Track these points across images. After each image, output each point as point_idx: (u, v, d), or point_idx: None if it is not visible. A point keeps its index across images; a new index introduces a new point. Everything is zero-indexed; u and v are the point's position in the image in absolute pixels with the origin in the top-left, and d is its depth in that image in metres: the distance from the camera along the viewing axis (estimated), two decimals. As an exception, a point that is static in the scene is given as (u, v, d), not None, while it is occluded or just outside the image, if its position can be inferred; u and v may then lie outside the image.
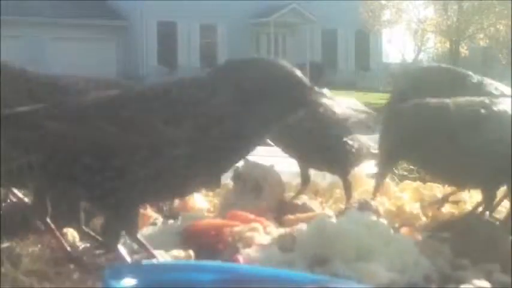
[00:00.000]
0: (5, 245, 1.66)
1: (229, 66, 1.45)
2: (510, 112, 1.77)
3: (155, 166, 1.36)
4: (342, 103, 2.16)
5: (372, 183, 2.09)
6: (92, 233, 1.61)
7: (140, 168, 1.35)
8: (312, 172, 2.25)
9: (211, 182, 1.55)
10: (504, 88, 2.07)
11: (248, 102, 1.38)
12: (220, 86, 1.39)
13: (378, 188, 1.95)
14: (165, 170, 1.37)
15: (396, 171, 2.60)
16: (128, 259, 1.43)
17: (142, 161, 1.35)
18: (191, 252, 1.62)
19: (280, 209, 2.02)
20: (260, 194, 2.03)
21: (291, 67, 1.43)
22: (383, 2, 26.99)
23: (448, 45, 25.21)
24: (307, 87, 1.43)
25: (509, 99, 1.84)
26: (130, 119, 1.37)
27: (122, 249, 1.45)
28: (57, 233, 1.60)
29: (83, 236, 1.64)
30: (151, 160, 1.35)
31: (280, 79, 1.40)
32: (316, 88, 1.46)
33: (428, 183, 2.27)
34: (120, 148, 1.36)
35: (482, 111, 1.76)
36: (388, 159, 1.89)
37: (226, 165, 1.47)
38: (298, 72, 1.43)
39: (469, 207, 2.09)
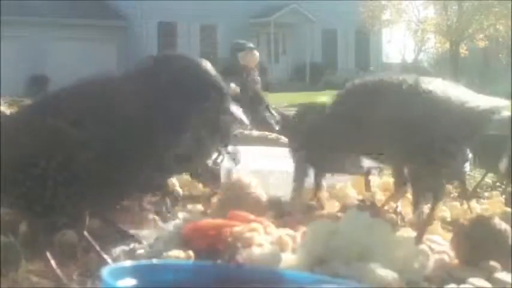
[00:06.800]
0: (5, 244, 1.66)
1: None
2: None
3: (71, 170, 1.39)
4: None
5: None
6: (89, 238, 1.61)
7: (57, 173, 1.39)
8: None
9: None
10: None
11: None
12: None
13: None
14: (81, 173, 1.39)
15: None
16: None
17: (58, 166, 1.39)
18: (191, 253, 1.62)
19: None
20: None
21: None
22: (383, 2, 26.94)
23: (448, 45, 25.14)
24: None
25: None
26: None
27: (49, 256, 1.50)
28: (97, 246, 1.61)
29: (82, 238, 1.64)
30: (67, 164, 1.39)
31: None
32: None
33: None
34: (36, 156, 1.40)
35: None
36: None
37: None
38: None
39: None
